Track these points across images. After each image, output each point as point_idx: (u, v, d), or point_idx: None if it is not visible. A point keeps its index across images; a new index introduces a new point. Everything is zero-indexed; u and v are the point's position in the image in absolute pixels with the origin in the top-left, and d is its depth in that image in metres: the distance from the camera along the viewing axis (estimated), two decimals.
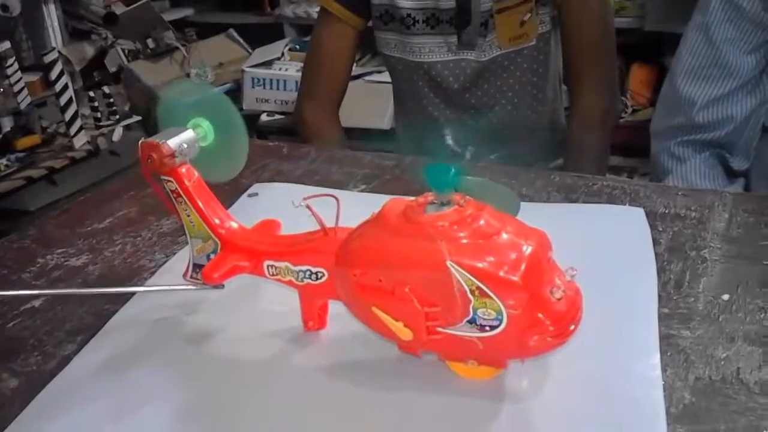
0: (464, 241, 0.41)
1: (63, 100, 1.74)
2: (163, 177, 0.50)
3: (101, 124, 1.88)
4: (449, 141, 1.21)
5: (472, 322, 0.42)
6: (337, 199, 0.46)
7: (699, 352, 0.48)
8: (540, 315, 0.41)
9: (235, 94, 2.23)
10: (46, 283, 0.62)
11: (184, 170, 0.50)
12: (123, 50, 2.20)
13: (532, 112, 1.20)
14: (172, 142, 0.49)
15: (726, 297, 0.53)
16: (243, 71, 2.27)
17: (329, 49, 1.22)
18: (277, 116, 2.23)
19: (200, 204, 0.51)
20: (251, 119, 2.16)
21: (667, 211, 0.66)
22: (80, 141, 1.79)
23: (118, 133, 1.89)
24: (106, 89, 1.95)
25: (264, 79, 2.23)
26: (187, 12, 2.73)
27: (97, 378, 0.49)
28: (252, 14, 2.71)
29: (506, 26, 1.11)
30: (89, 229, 0.71)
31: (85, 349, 0.52)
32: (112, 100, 1.92)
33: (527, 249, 0.41)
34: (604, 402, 0.44)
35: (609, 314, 0.51)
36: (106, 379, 0.49)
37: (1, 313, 0.57)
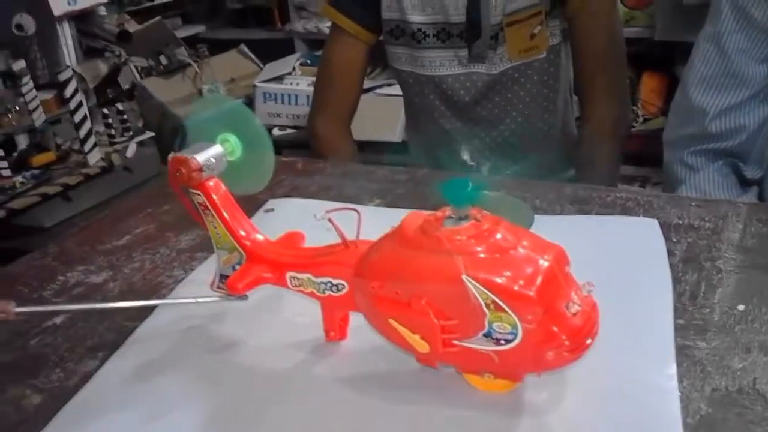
0: (481, 255, 0.42)
1: (77, 118, 1.76)
2: (191, 190, 0.52)
3: (115, 140, 1.90)
4: (465, 156, 1.22)
5: (487, 335, 0.42)
6: (358, 212, 0.47)
7: (715, 363, 0.48)
8: (555, 329, 0.41)
9: None
10: (67, 300, 0.62)
11: (211, 184, 0.51)
12: (136, 67, 2.22)
13: (544, 124, 1.21)
14: (201, 157, 0.50)
15: (741, 307, 0.53)
16: (255, 86, 2.29)
17: (341, 63, 1.23)
18: (289, 131, 2.24)
19: (227, 216, 0.52)
20: None
21: (681, 222, 0.66)
22: (94, 158, 1.81)
23: (131, 149, 1.91)
24: (119, 106, 1.97)
25: (275, 94, 2.25)
26: (198, 29, 2.76)
27: (120, 391, 0.50)
28: (263, 30, 2.74)
29: (516, 39, 1.12)
30: (108, 246, 0.72)
31: (108, 362, 0.53)
32: (125, 116, 1.94)
33: (543, 264, 0.42)
34: (622, 414, 0.44)
35: (625, 326, 0.51)
36: (129, 391, 0.50)
37: (23, 330, 0.58)
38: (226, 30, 2.83)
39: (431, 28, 1.14)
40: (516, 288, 0.41)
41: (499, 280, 0.41)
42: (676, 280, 0.57)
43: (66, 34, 2.08)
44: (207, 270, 0.62)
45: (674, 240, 0.63)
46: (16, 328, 0.59)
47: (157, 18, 2.29)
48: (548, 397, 0.46)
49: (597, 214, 0.70)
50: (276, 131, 2.24)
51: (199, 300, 0.55)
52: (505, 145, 1.21)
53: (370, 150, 1.85)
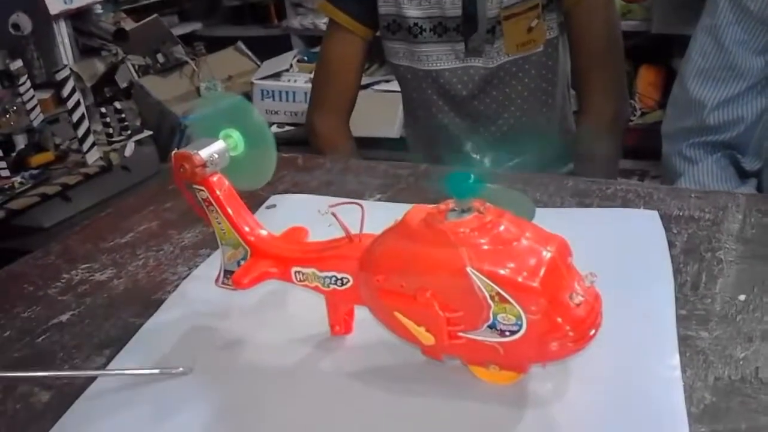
0: (484, 247, 0.42)
1: (75, 117, 1.76)
2: (195, 186, 0.52)
3: (113, 139, 1.90)
4: (468, 148, 1.22)
5: (492, 327, 0.43)
6: (361, 206, 0.47)
7: (718, 352, 0.48)
8: (559, 320, 0.41)
9: None
10: (72, 297, 0.63)
11: (215, 179, 0.52)
12: (133, 66, 2.22)
13: (542, 118, 1.21)
14: (204, 153, 0.51)
15: (743, 297, 0.54)
16: (252, 83, 2.29)
17: (338, 59, 1.23)
18: (288, 128, 2.24)
19: (230, 212, 0.52)
20: None
21: (681, 214, 0.67)
22: (93, 157, 1.81)
23: (130, 148, 1.91)
24: (117, 105, 1.97)
25: (273, 91, 2.26)
26: (195, 26, 2.76)
27: (127, 388, 0.50)
28: (260, 27, 2.74)
29: (513, 33, 1.12)
30: (112, 244, 0.72)
31: (115, 359, 0.53)
32: (123, 115, 1.94)
33: (546, 255, 0.42)
34: (626, 404, 0.45)
35: (627, 317, 0.51)
36: (136, 388, 0.50)
37: (29, 328, 0.59)
38: (222, 27, 2.83)
39: (427, 22, 1.14)
40: (520, 279, 0.41)
41: (503, 272, 0.41)
42: (677, 271, 0.58)
43: (62, 33, 2.08)
44: (211, 266, 0.62)
45: (675, 231, 0.64)
46: (23, 326, 0.59)
47: (154, 16, 2.29)
48: (553, 388, 0.46)
49: (597, 206, 0.70)
50: (274, 128, 2.24)
51: (137, 373, 0.52)
52: (504, 139, 1.21)
53: (369, 146, 1.85)
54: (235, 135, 0.53)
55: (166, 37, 2.30)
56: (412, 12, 1.15)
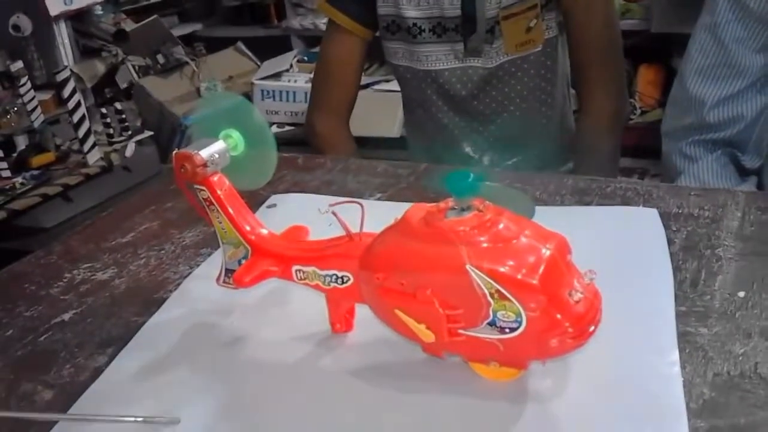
0: (484, 245, 0.42)
1: (76, 118, 1.76)
2: (195, 186, 0.52)
3: (114, 140, 1.90)
4: (467, 148, 1.22)
5: (492, 324, 0.43)
6: (361, 205, 0.48)
7: (717, 348, 0.49)
8: (559, 317, 0.42)
9: None
10: (74, 296, 0.63)
11: (215, 179, 0.52)
12: (133, 66, 2.23)
13: (542, 117, 1.21)
14: (204, 153, 0.51)
15: (742, 294, 0.54)
16: (252, 84, 2.29)
17: (338, 59, 1.24)
18: (288, 128, 2.24)
19: (231, 211, 0.52)
20: None
21: (680, 211, 0.67)
22: (94, 157, 1.81)
23: (130, 148, 1.91)
24: (118, 105, 1.97)
25: (273, 91, 2.26)
26: (195, 27, 2.76)
27: (130, 385, 0.51)
28: (260, 27, 2.74)
29: (512, 32, 1.12)
30: (113, 243, 0.72)
31: (118, 358, 0.54)
32: (124, 116, 1.94)
33: (546, 252, 0.42)
34: (626, 399, 0.45)
35: (627, 314, 0.51)
36: (139, 386, 0.51)
37: (32, 327, 0.59)
38: (222, 28, 2.83)
39: (426, 22, 1.15)
40: (519, 277, 0.41)
41: (502, 270, 0.41)
42: (676, 269, 0.58)
43: (63, 34, 2.08)
44: (212, 265, 0.63)
45: (674, 229, 0.64)
46: (25, 325, 0.60)
47: (154, 16, 2.29)
48: (553, 385, 0.47)
49: (597, 204, 0.70)
50: (274, 128, 2.24)
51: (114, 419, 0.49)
52: (504, 139, 1.22)
53: (369, 146, 1.86)
54: (236, 135, 0.53)
55: (166, 37, 2.31)
56: (411, 12, 1.15)
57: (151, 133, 1.99)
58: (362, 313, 0.51)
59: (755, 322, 0.51)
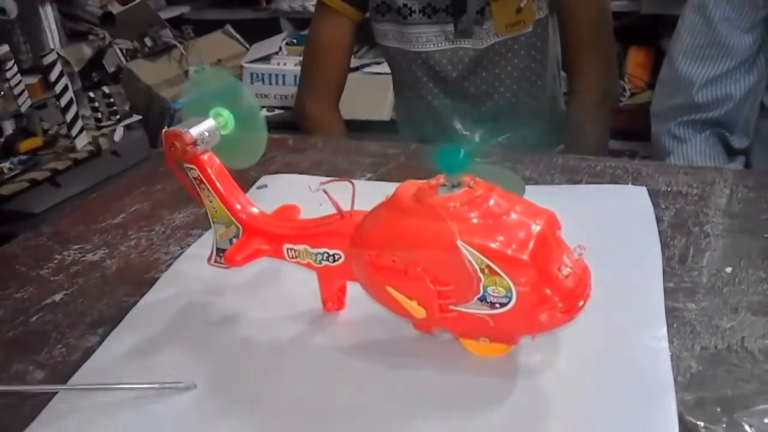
0: (474, 221, 0.42)
1: (63, 102, 1.74)
2: (186, 165, 0.52)
3: (102, 124, 1.89)
4: (458, 125, 1.22)
5: (482, 299, 0.43)
6: (352, 183, 0.48)
7: (704, 323, 0.49)
8: (548, 292, 0.42)
9: None
10: (65, 278, 0.63)
11: (205, 158, 0.52)
12: (121, 50, 2.21)
13: (532, 99, 1.21)
14: (194, 131, 0.51)
15: (729, 270, 0.55)
16: (241, 67, 2.28)
17: (327, 41, 1.23)
18: (277, 111, 2.23)
19: (222, 190, 0.52)
20: None
21: (669, 189, 0.68)
22: (82, 142, 1.80)
23: (119, 133, 1.90)
24: (105, 89, 1.95)
25: (263, 75, 2.25)
26: (183, 9, 2.73)
27: (122, 365, 0.51)
28: (248, 10, 2.72)
29: (502, 13, 1.12)
30: (103, 224, 0.72)
31: (110, 338, 0.54)
32: (112, 100, 1.92)
33: (535, 228, 0.43)
34: (615, 374, 0.45)
35: (616, 290, 0.52)
36: (130, 365, 0.51)
37: (23, 308, 0.59)
38: (210, 10, 2.81)
39: (417, 3, 1.14)
40: (509, 252, 0.41)
41: (492, 245, 0.42)
42: (664, 245, 0.58)
43: (49, 17, 2.07)
44: (203, 246, 0.63)
45: (663, 206, 0.65)
46: (16, 306, 0.59)
47: None
48: (542, 359, 0.47)
49: (586, 183, 0.71)
50: (264, 112, 2.23)
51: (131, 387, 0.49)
52: (494, 120, 1.22)
53: (359, 129, 1.85)
54: (225, 113, 0.53)
55: (154, 20, 2.29)
56: None
57: (140, 117, 1.97)
58: (354, 291, 0.52)
59: (742, 297, 0.51)
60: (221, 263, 0.54)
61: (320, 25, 1.23)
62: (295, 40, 2.41)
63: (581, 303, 0.43)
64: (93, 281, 0.62)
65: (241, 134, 0.54)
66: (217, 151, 0.53)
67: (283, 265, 0.53)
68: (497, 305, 0.43)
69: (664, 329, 0.49)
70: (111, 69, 2.20)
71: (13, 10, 1.96)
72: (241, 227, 0.53)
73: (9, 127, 1.78)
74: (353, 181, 0.48)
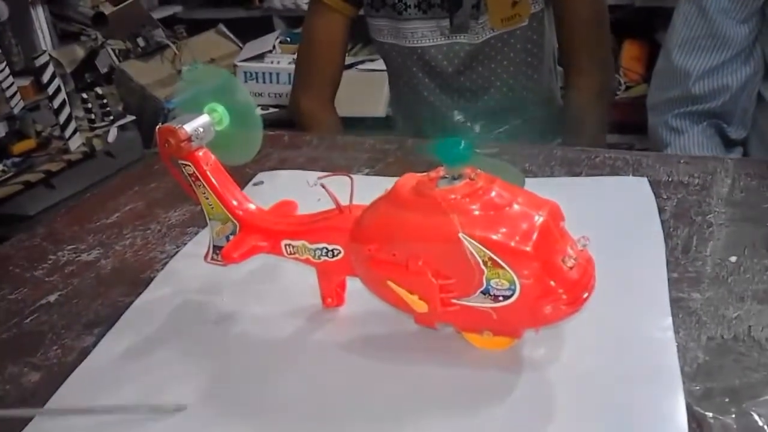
0: (476, 213, 0.42)
1: (56, 103, 1.73)
2: (181, 161, 0.51)
3: (95, 125, 1.88)
4: (458, 116, 1.21)
5: (485, 292, 0.42)
6: (351, 178, 0.47)
7: (710, 313, 0.49)
8: (552, 283, 0.41)
9: None
10: (60, 278, 0.62)
11: (200, 154, 0.51)
12: (113, 50, 2.19)
13: (528, 93, 1.21)
14: (189, 127, 0.50)
15: (733, 259, 0.54)
16: (235, 66, 2.27)
17: (322, 38, 1.22)
18: (272, 110, 2.22)
19: (218, 186, 0.52)
20: None
21: (670, 179, 0.67)
22: (75, 143, 1.79)
23: (112, 134, 1.89)
24: (98, 90, 1.94)
25: (257, 73, 2.23)
26: (175, 9, 2.71)
27: (119, 364, 0.50)
28: (240, 8, 2.70)
29: (498, 7, 1.11)
30: (98, 224, 0.71)
31: (106, 338, 0.53)
32: (105, 101, 1.91)
33: (538, 219, 0.42)
34: (621, 366, 0.45)
35: (620, 281, 0.51)
36: (127, 365, 0.50)
37: (17, 309, 0.58)
38: (202, 10, 2.79)
39: None
40: (512, 244, 0.41)
41: (495, 237, 0.41)
42: (667, 236, 0.58)
43: (40, 18, 2.05)
44: (199, 244, 0.62)
45: (664, 197, 0.64)
46: (10, 307, 0.58)
47: None
48: (547, 352, 0.47)
49: (587, 175, 0.70)
50: (258, 111, 2.22)
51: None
52: (491, 115, 1.21)
53: (355, 126, 1.84)
54: (220, 109, 0.52)
55: (146, 20, 2.27)
56: None
57: (134, 117, 1.97)
58: (353, 286, 0.51)
59: (748, 286, 0.51)
60: (218, 261, 0.53)
61: (314, 22, 1.22)
62: (288, 38, 2.40)
63: (586, 295, 0.42)
64: (88, 281, 0.61)
65: (237, 130, 0.53)
66: (212, 148, 0.52)
67: (281, 262, 0.52)
68: (501, 298, 0.42)
69: (670, 320, 0.48)
70: (104, 69, 2.18)
71: (4, 12, 1.94)
72: (237, 224, 0.52)
73: (2, 130, 1.77)
74: (351, 176, 0.48)
